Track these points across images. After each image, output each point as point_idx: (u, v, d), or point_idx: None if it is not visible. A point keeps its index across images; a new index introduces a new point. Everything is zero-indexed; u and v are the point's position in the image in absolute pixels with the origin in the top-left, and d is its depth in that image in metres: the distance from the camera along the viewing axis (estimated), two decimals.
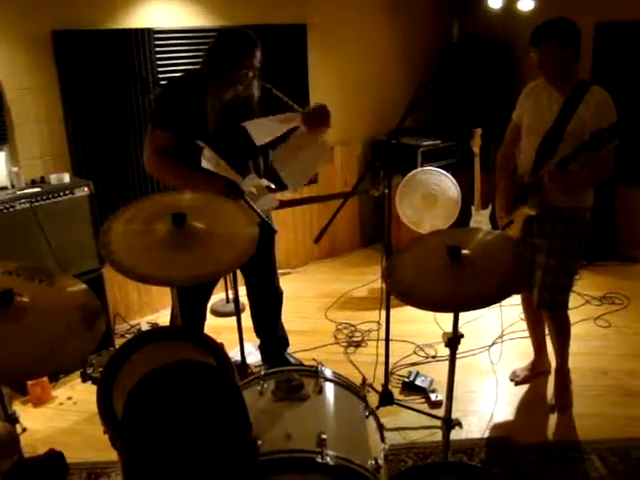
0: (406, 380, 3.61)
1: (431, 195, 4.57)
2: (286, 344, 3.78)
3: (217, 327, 4.17)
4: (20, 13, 3.68)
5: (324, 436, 1.89)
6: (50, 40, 3.81)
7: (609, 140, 2.72)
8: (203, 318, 3.52)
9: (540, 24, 2.95)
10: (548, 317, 3.34)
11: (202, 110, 3.02)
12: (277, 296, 3.69)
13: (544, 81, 3.09)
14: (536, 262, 3.19)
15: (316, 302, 4.85)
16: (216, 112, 3.03)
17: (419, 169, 4.73)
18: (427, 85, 2.93)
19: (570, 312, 3.30)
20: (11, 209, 3.42)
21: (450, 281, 2.18)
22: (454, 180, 4.60)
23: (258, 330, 3.73)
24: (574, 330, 3.38)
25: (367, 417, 2.19)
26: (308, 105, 3.23)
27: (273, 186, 3.22)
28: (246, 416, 1.57)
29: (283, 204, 3.64)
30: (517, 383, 3.63)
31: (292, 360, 3.74)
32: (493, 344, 4.04)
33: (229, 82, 3.00)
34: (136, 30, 4.10)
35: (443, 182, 4.58)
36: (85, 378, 3.09)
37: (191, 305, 3.23)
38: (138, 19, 4.16)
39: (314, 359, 3.81)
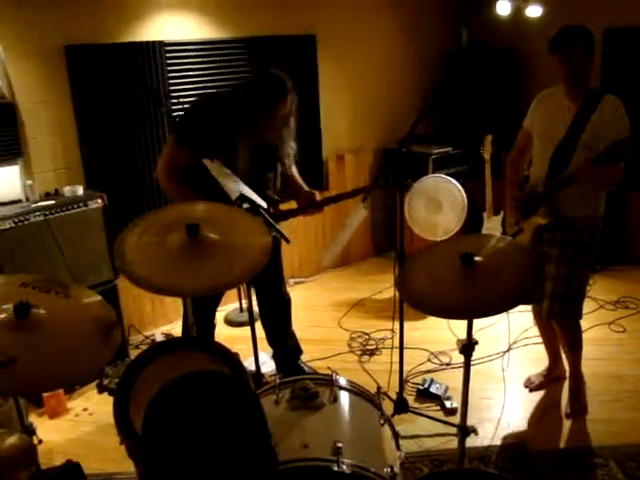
0: (421, 388, 3.60)
1: (435, 201, 4.52)
2: (299, 352, 3.79)
3: (231, 337, 4.18)
4: (33, 28, 3.72)
5: (340, 444, 1.89)
6: (63, 54, 3.85)
7: (628, 153, 2.68)
8: (212, 326, 3.55)
9: (561, 31, 2.91)
10: (559, 327, 3.30)
11: (231, 138, 3.03)
12: (285, 302, 3.70)
13: (557, 89, 3.07)
14: (546, 272, 3.12)
15: (329, 311, 4.85)
16: (247, 153, 3.06)
17: (423, 177, 4.67)
18: (436, 93, 2.93)
19: (584, 317, 3.27)
20: (26, 222, 3.45)
21: (463, 288, 2.18)
22: (457, 183, 4.53)
23: (270, 339, 3.74)
24: (589, 335, 3.36)
25: (382, 425, 2.20)
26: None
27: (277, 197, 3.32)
28: (265, 425, 1.58)
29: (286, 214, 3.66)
30: (532, 390, 3.61)
31: (306, 369, 3.74)
32: (508, 350, 4.02)
33: (258, 125, 3.03)
34: (147, 43, 4.14)
35: (445, 186, 4.52)
36: (102, 389, 3.10)
37: (200, 314, 3.24)
38: (149, 32, 4.20)
39: (329, 368, 3.81)
